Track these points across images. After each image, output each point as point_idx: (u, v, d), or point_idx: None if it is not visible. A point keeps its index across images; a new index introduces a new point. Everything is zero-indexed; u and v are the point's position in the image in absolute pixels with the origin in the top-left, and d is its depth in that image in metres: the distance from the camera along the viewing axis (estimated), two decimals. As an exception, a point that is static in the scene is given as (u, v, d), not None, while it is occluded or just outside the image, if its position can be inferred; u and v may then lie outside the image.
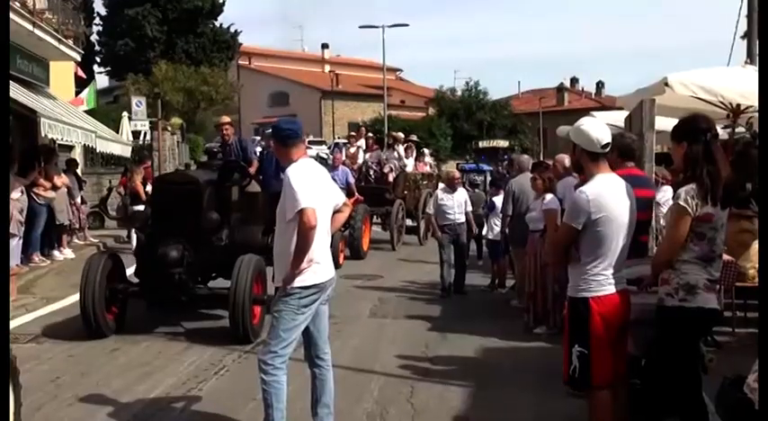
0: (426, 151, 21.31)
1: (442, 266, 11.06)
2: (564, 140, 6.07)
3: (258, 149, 11.54)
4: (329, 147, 35.94)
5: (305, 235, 4.68)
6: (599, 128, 4.41)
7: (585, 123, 4.49)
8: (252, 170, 10.14)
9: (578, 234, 4.30)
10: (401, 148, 18.14)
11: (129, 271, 8.95)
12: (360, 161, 17.59)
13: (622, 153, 5.46)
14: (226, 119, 11.74)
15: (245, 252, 8.17)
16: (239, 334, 7.75)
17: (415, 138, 20.85)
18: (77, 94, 21.79)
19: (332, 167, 15.04)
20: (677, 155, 4.48)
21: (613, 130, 5.22)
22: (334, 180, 14.29)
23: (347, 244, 14.61)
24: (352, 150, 18.29)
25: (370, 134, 21.26)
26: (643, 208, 4.49)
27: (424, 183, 17.99)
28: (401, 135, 20.32)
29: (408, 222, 17.51)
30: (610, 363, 4.32)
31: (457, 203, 11.11)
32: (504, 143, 39.01)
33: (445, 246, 11.02)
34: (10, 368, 4.65)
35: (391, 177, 17.00)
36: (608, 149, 4.41)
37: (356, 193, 14.91)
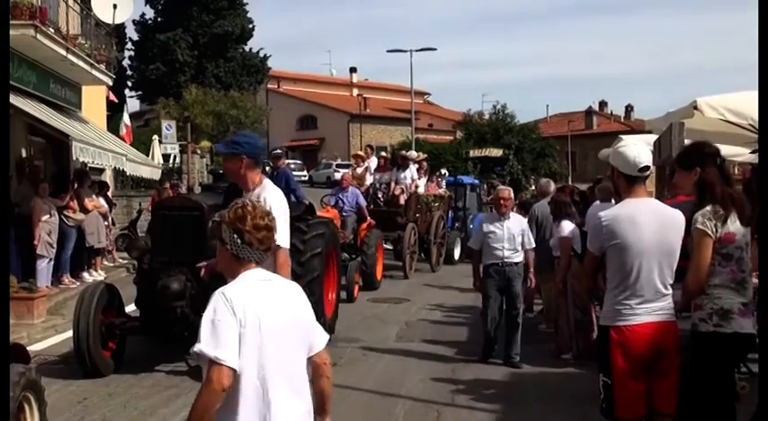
0: (444, 171, 19.88)
1: (484, 322, 8.40)
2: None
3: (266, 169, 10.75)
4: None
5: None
6: (638, 149, 4.19)
7: (624, 145, 4.33)
8: None
9: (602, 260, 4.19)
10: (413, 168, 16.65)
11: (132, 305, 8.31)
12: (368, 183, 16.29)
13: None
14: None
15: None
16: None
17: (416, 155, 18.82)
18: (109, 118, 22.13)
19: (340, 188, 14.35)
20: (687, 181, 4.37)
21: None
22: (342, 201, 14.00)
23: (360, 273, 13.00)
24: (359, 171, 16.78)
25: (383, 153, 19.72)
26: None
27: (436, 204, 17.08)
28: (413, 154, 19.00)
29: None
30: (634, 397, 4.10)
31: (508, 235, 8.25)
32: (497, 152, 37.16)
33: (490, 297, 8.29)
34: (36, 388, 4.70)
35: (402, 199, 15.73)
36: (647, 173, 4.19)
37: (368, 217, 14.08)
